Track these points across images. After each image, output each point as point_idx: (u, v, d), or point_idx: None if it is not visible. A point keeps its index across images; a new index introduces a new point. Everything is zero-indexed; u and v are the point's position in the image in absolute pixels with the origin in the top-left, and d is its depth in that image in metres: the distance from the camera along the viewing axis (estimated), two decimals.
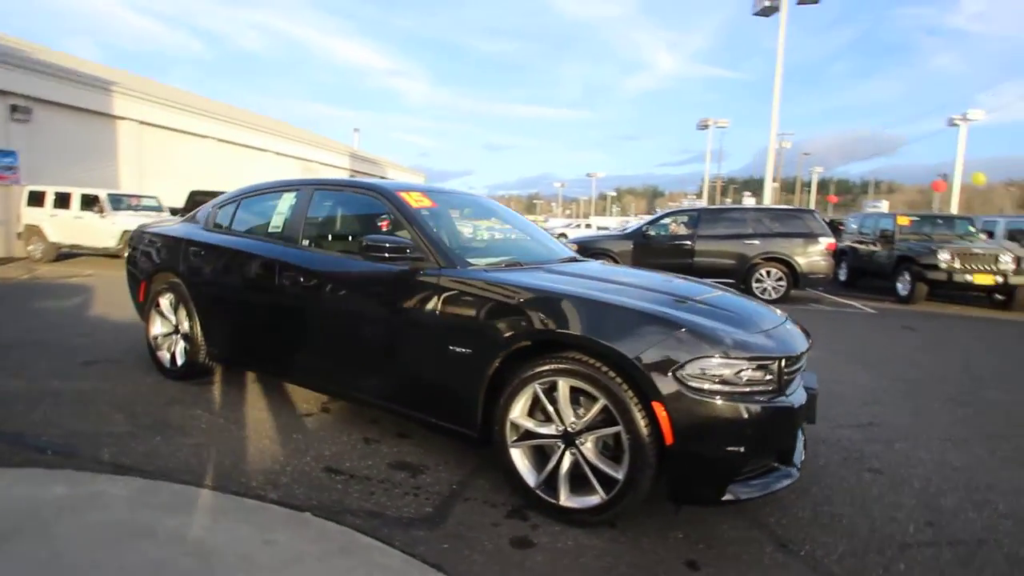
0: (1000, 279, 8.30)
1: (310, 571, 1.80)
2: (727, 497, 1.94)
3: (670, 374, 1.92)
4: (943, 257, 8.56)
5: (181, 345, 3.63)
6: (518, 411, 2.24)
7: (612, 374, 2.01)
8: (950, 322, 7.67)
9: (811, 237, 8.85)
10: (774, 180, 52.01)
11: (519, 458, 2.26)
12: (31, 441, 2.65)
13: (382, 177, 31.26)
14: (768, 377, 2.00)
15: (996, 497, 2.50)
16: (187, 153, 16.73)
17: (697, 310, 2.21)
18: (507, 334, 2.22)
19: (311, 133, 25.78)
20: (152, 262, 3.82)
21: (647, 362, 1.94)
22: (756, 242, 8.93)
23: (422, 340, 2.48)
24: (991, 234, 10.10)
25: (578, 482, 2.15)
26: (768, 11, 15.02)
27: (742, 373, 1.95)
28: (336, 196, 3.30)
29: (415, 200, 2.89)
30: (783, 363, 2.04)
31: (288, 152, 22.65)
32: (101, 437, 2.74)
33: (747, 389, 1.95)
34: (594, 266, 3.10)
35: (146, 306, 3.82)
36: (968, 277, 8.39)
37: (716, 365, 1.93)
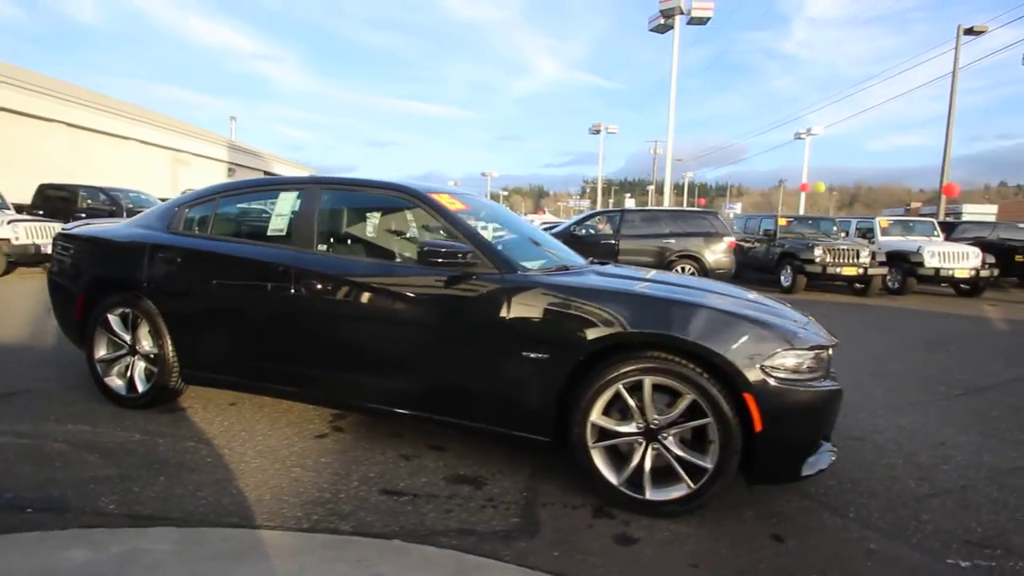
0: (861, 270, 9.95)
1: None
2: (804, 473, 2.16)
3: (757, 367, 2.09)
4: (818, 253, 10.05)
5: (141, 368, 3.11)
6: (597, 412, 2.27)
7: (699, 370, 2.14)
8: (828, 308, 9.03)
9: (716, 236, 9.88)
10: (649, 183, 56.51)
11: (599, 458, 2.30)
12: (1, 499, 2.12)
13: (266, 172, 28.81)
14: (821, 365, 2.25)
15: (952, 451, 3.06)
16: (30, 140, 14.03)
17: (758, 309, 2.41)
18: (590, 336, 2.24)
19: (181, 122, 22.94)
20: (95, 272, 3.20)
21: (738, 358, 2.09)
22: (672, 241, 9.76)
23: (487, 347, 2.40)
24: (847, 232, 12.06)
25: (658, 476, 2.25)
26: (663, 28, 16.52)
27: (805, 363, 2.18)
28: (351, 196, 3.04)
29: (449, 203, 2.78)
30: (830, 352, 2.32)
31: (156, 141, 19.98)
32: (87, 485, 2.27)
33: (810, 376, 2.18)
34: (627, 270, 3.20)
35: (87, 325, 3.19)
36: (838, 269, 9.94)
37: (790, 357, 2.14)
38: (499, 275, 2.45)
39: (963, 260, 10.04)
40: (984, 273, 10.05)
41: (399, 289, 2.57)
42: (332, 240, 2.91)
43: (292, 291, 2.69)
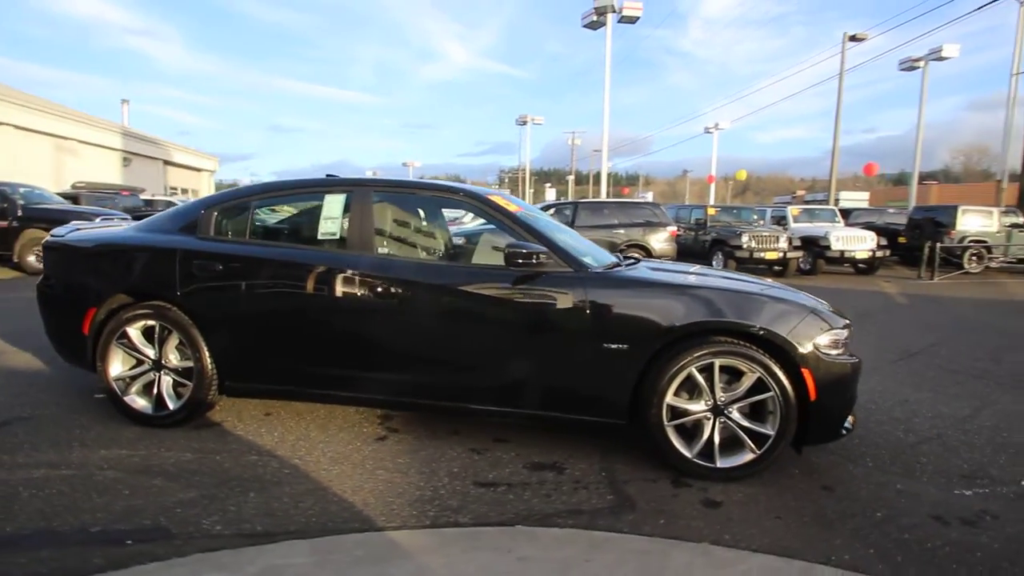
0: (781, 254, 11.13)
1: (598, 573, 1.85)
2: (843, 433, 2.56)
3: (811, 345, 2.44)
4: (745, 240, 11.09)
5: (168, 383, 2.92)
6: (671, 394, 2.52)
7: (762, 351, 2.45)
8: None
9: (660, 226, 10.58)
10: (568, 173, 57.97)
11: (674, 435, 2.55)
12: (92, 535, 1.96)
13: (167, 161, 26.24)
14: (847, 341, 2.66)
15: (916, 406, 3.66)
16: None
17: (796, 295, 2.77)
18: (667, 326, 2.48)
19: (66, 107, 20.26)
20: (111, 283, 2.93)
21: (797, 339, 2.43)
22: (621, 231, 10.32)
23: (568, 341, 2.56)
24: (763, 220, 13.36)
25: (724, 446, 2.55)
26: (595, 25, 17.17)
27: (841, 339, 2.57)
28: (405, 198, 3.02)
29: (507, 204, 2.88)
30: (851, 329, 2.74)
31: (35, 127, 17.50)
32: (174, 509, 2.15)
33: (844, 350, 2.58)
34: (664, 264, 3.45)
35: (99, 340, 2.92)
36: (762, 254, 11.05)
37: (831, 334, 2.51)
38: (573, 273, 2.61)
39: (862, 243, 11.55)
40: (879, 254, 11.64)
41: (474, 289, 2.64)
42: (392, 242, 2.90)
43: (359, 295, 2.67)
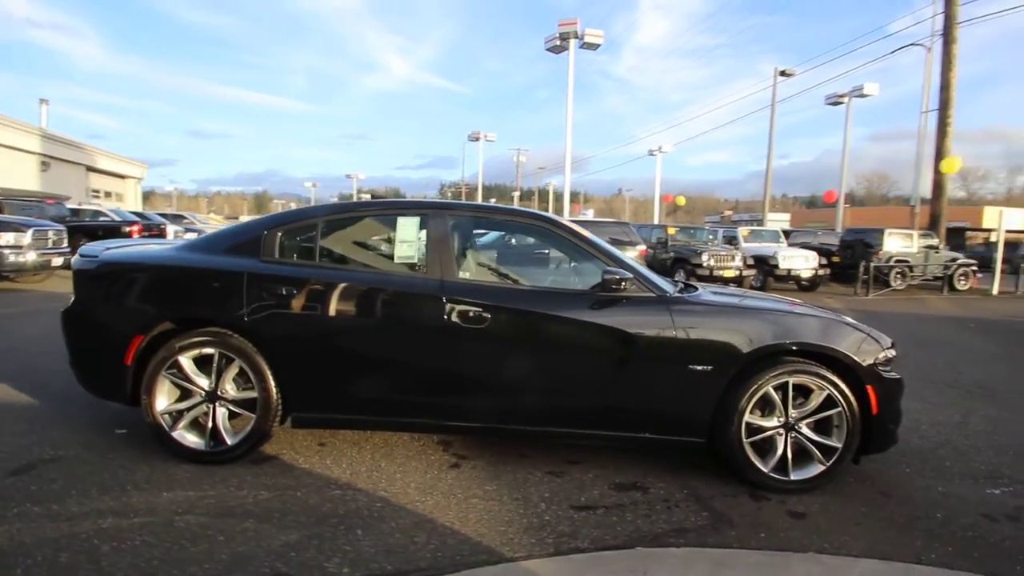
0: (737, 272, 11.89)
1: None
2: (895, 442, 2.82)
3: (873, 365, 2.68)
4: (705, 258, 11.77)
5: (223, 416, 2.73)
6: (748, 411, 2.68)
7: (830, 370, 2.66)
8: None
9: (629, 244, 11.01)
10: (513, 189, 58.72)
11: (751, 451, 2.70)
12: None
13: (90, 167, 24.13)
14: (895, 359, 2.93)
15: (916, 415, 4.04)
16: None
17: (848, 318, 3.02)
18: (748, 348, 2.63)
19: None
20: (162, 307, 2.71)
21: (862, 359, 2.66)
22: None
23: (657, 363, 2.66)
24: (716, 240, 14.23)
25: (795, 460, 2.73)
26: (558, 49, 17.74)
27: (891, 358, 2.84)
28: (480, 223, 3.02)
29: (581, 230, 2.95)
30: (897, 349, 3.03)
31: None
32: (290, 554, 2.03)
33: (894, 367, 2.85)
34: (721, 288, 3.59)
35: (144, 371, 2.69)
36: (721, 272, 11.75)
37: (885, 354, 2.77)
38: (656, 297, 2.73)
39: (806, 262, 12.57)
40: (820, 272, 12.70)
41: (563, 313, 2.69)
42: (471, 266, 2.88)
43: (443, 320, 2.64)
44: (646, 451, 3.06)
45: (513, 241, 5.06)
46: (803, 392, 2.72)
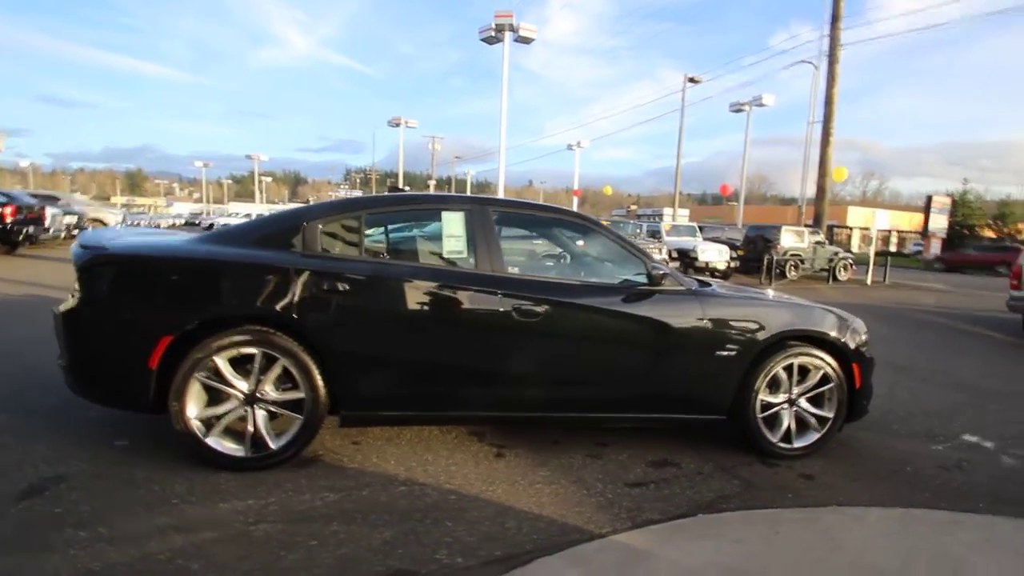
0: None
1: (791, 540, 2.25)
2: (868, 412, 3.33)
3: (856, 346, 3.16)
4: None
5: (263, 418, 2.59)
6: (762, 389, 3.04)
7: (825, 353, 3.10)
8: None
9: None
10: (429, 177, 57.71)
11: (763, 425, 3.07)
12: None
13: None
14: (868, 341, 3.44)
15: (884, 387, 4.75)
16: None
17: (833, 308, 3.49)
18: (767, 333, 2.98)
19: None
20: (195, 305, 2.49)
21: (850, 342, 3.12)
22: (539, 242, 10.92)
23: (691, 351, 2.92)
24: (641, 233, 15.17)
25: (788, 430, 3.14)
26: (492, 40, 17.66)
27: (867, 340, 3.34)
28: (523, 218, 3.08)
29: (615, 230, 3.13)
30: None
31: None
32: (397, 551, 2.02)
33: (867, 348, 3.35)
34: (725, 284, 3.88)
35: (172, 375, 2.47)
36: None
37: (864, 336, 3.27)
38: (687, 291, 2.99)
39: (720, 255, 13.84)
40: (733, 265, 14.05)
41: (608, 306, 2.86)
42: (518, 261, 2.94)
43: (494, 314, 2.70)
44: (664, 430, 3.34)
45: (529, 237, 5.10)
46: (802, 371, 3.14)
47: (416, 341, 2.70)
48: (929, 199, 26.42)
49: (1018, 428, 3.83)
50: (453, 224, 2.88)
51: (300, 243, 2.66)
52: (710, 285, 3.27)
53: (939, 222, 26.70)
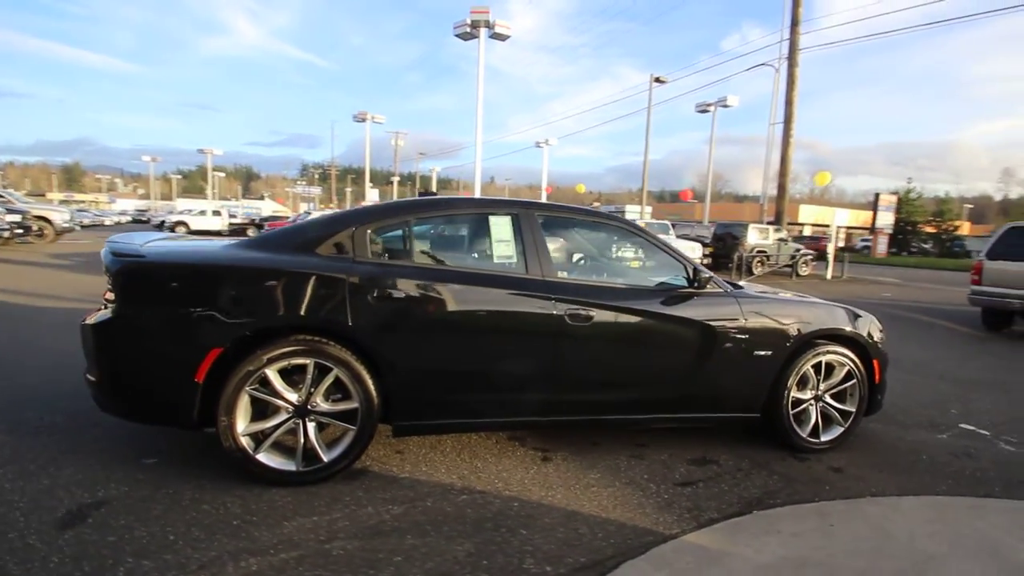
0: (641, 261, 13.07)
1: (844, 533, 2.36)
2: (883, 406, 3.51)
3: (876, 342, 3.33)
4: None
5: (313, 430, 2.51)
6: (794, 387, 3.17)
7: (849, 350, 3.25)
8: None
9: None
10: (392, 174, 56.60)
11: (793, 421, 3.20)
12: None
13: None
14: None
15: None
16: None
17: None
18: (798, 333, 3.11)
19: None
20: (246, 315, 2.37)
21: (872, 338, 3.29)
22: None
23: (731, 351, 3.00)
24: None
25: (817, 425, 3.29)
26: (467, 36, 17.43)
27: (883, 336, 3.51)
28: (567, 222, 3.08)
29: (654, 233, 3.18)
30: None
31: None
32: (481, 562, 2.00)
33: (883, 344, 3.53)
34: (747, 284, 4.00)
35: (220, 389, 2.35)
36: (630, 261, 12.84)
37: (881, 333, 3.45)
38: (725, 292, 3.08)
39: (693, 253, 14.22)
40: (704, 262, 14.46)
41: (655, 309, 2.91)
42: (566, 265, 2.94)
43: (553, 319, 2.70)
44: (695, 429, 3.43)
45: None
46: (828, 368, 3.29)
47: (471, 347, 2.67)
48: (877, 197, 27.91)
49: (1004, 416, 4.13)
50: (501, 228, 2.87)
51: (351, 249, 2.59)
52: (741, 287, 3.38)
53: (886, 219, 28.28)
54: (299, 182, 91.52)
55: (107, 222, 43.39)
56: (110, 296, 2.42)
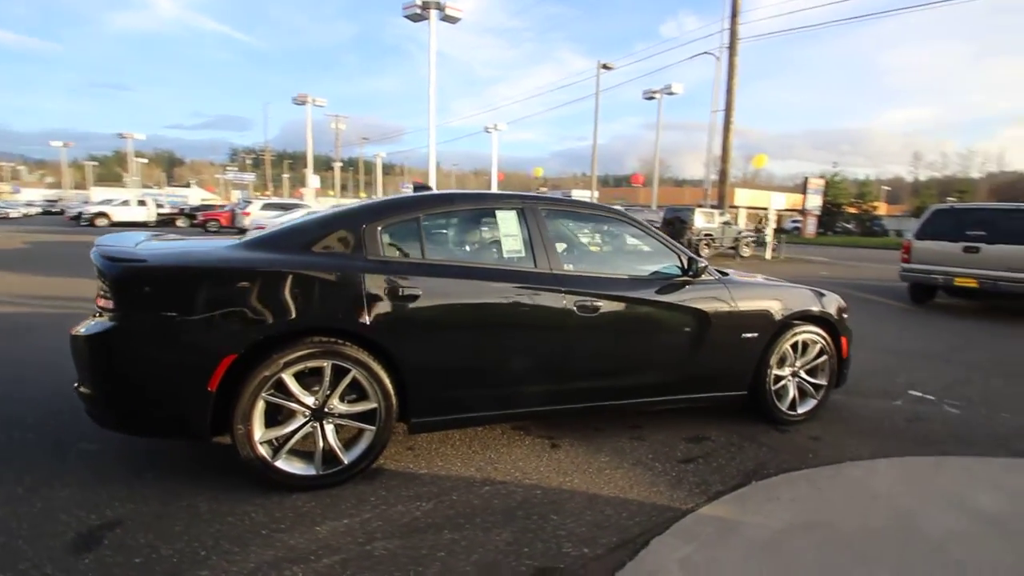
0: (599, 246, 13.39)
1: (839, 497, 2.61)
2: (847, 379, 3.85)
3: (842, 320, 3.63)
4: None
5: (332, 433, 2.49)
6: (775, 365, 3.41)
7: (822, 329, 3.53)
8: None
9: None
10: (333, 159, 54.57)
11: (774, 396, 3.45)
12: None
13: None
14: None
15: None
16: None
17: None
18: (780, 315, 3.34)
19: None
20: (265, 318, 2.29)
21: (839, 316, 3.59)
22: None
23: (723, 335, 3.19)
24: None
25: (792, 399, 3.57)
26: (417, 17, 16.85)
27: (848, 315, 3.84)
28: (567, 215, 3.13)
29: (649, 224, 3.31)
30: None
31: None
32: (523, 549, 2.06)
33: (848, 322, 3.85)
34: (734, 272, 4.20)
35: (236, 396, 2.27)
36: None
37: (846, 312, 3.76)
38: (716, 280, 3.26)
39: None
40: None
41: (657, 298, 3.04)
42: (570, 259, 2.99)
43: (563, 311, 2.77)
44: (683, 409, 3.63)
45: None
46: (804, 346, 3.56)
47: (487, 342, 2.71)
48: (806, 180, 29.76)
49: (943, 382, 4.62)
50: (508, 223, 2.89)
51: (362, 248, 2.54)
52: (727, 273, 3.59)
53: (814, 201, 30.26)
54: (229, 167, 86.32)
55: (12, 214, 39.31)
56: (105, 303, 2.27)
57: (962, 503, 2.58)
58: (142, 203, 31.02)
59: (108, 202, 31.93)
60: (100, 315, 2.32)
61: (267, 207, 21.54)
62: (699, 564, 2.04)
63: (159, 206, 33.07)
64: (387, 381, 2.51)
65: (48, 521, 2.16)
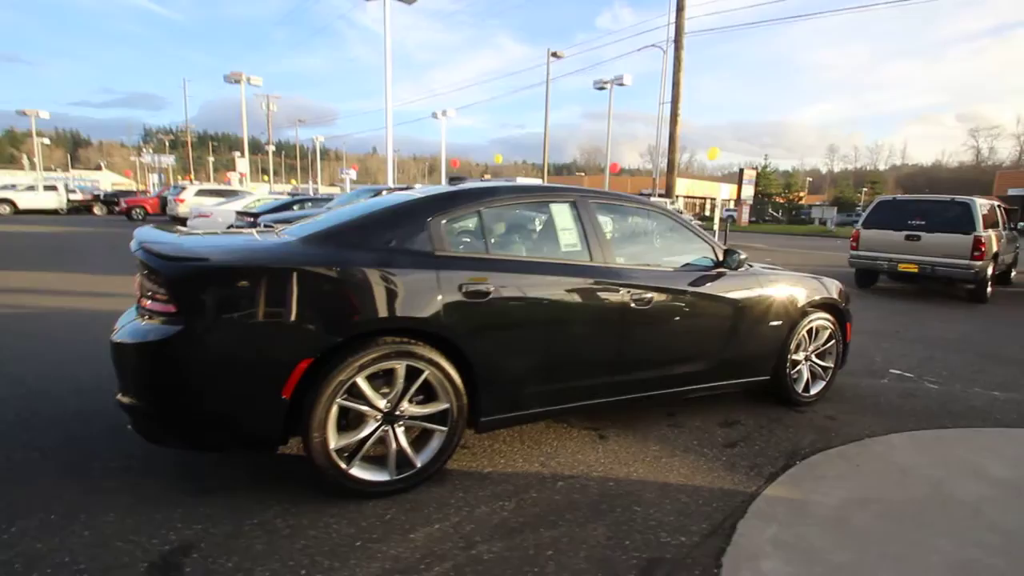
0: None
1: (872, 472, 2.83)
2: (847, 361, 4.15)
3: (847, 306, 3.90)
4: None
5: (402, 435, 2.40)
6: (793, 351, 3.62)
7: (831, 315, 3.78)
8: None
9: None
10: (268, 143, 51.62)
11: (790, 380, 3.66)
12: None
13: None
14: None
15: None
16: None
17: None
18: (800, 304, 3.54)
19: None
20: (338, 322, 2.14)
21: (845, 303, 3.84)
22: None
23: (755, 323, 3.34)
24: None
25: (802, 382, 3.81)
26: None
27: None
28: (612, 208, 3.11)
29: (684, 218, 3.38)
30: None
31: None
32: (625, 542, 2.08)
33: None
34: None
35: (312, 404, 2.13)
36: None
37: (847, 299, 4.04)
38: (747, 271, 3.39)
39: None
40: None
41: (702, 290, 3.13)
42: (622, 252, 3.00)
43: (621, 304, 2.80)
44: (708, 396, 3.77)
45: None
46: (816, 332, 3.80)
47: (555, 336, 2.69)
48: (741, 171, 31.47)
49: (916, 360, 5.07)
50: (563, 217, 2.87)
51: (428, 243, 2.44)
52: (752, 265, 3.75)
53: (748, 191, 32.11)
54: (144, 149, 79.35)
55: None
56: (159, 306, 2.05)
57: (978, 471, 2.86)
58: (51, 188, 28.04)
59: (11, 187, 28.61)
60: (149, 317, 2.10)
61: (202, 193, 20.10)
62: (789, 543, 2.16)
63: (70, 191, 30.04)
64: (459, 380, 2.44)
65: (108, 552, 1.94)
